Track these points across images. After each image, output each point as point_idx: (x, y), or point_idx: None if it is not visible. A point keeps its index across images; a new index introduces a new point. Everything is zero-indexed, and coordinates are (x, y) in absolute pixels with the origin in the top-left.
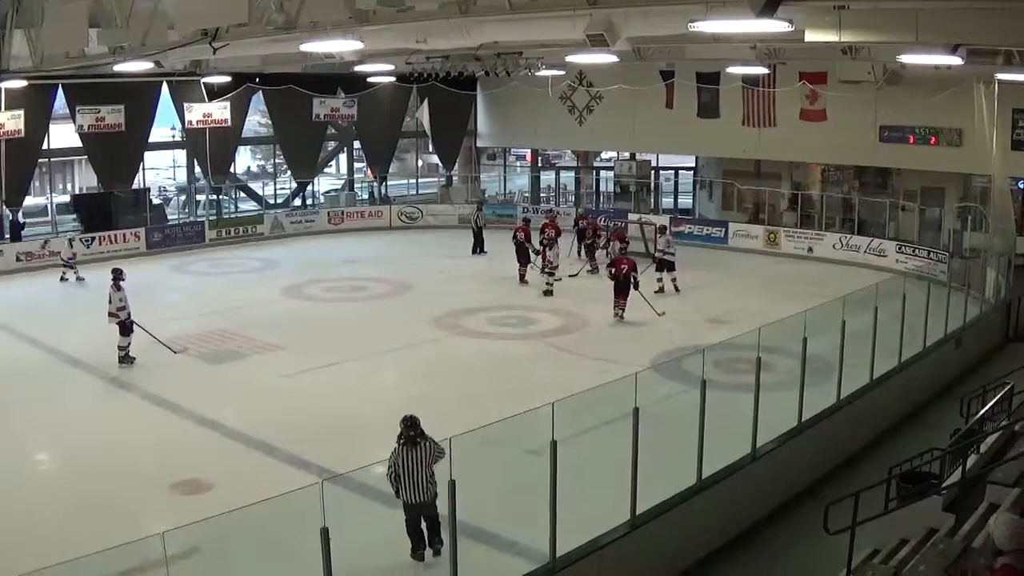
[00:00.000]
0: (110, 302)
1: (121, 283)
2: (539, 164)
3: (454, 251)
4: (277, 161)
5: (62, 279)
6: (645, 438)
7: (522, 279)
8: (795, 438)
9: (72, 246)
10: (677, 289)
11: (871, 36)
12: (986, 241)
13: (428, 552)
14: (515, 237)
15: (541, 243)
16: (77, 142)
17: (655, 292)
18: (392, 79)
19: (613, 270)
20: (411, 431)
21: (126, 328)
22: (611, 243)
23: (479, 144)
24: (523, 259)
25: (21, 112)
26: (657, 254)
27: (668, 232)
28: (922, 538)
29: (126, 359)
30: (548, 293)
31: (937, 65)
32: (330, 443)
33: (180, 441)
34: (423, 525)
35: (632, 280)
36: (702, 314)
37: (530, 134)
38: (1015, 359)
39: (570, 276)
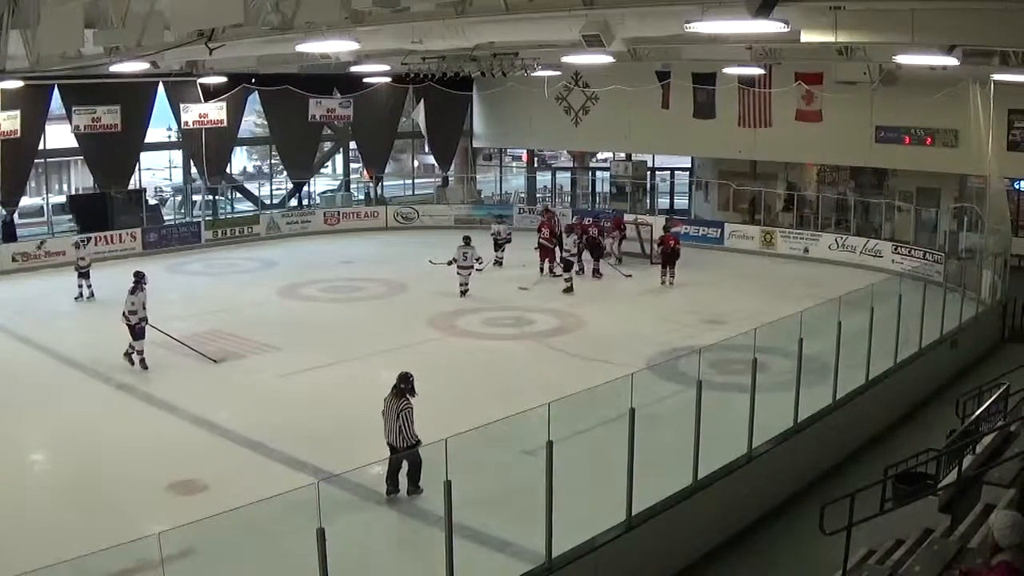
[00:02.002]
0: (125, 302)
1: (142, 286)
2: (535, 165)
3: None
4: (273, 162)
5: (79, 296)
6: (641, 438)
7: (596, 273)
8: (791, 439)
9: (82, 249)
10: (572, 290)
11: (867, 36)
12: (982, 242)
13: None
14: (587, 233)
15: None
16: (73, 142)
17: (563, 291)
18: (388, 80)
19: (662, 247)
20: (400, 383)
21: (135, 332)
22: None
23: (475, 145)
24: (596, 254)
25: (17, 112)
26: (565, 254)
27: (574, 233)
28: (918, 539)
29: (130, 361)
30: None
31: (933, 66)
32: (326, 443)
33: (176, 441)
34: (403, 471)
35: (677, 253)
36: (698, 315)
37: (526, 135)
38: (1011, 359)
39: (555, 276)
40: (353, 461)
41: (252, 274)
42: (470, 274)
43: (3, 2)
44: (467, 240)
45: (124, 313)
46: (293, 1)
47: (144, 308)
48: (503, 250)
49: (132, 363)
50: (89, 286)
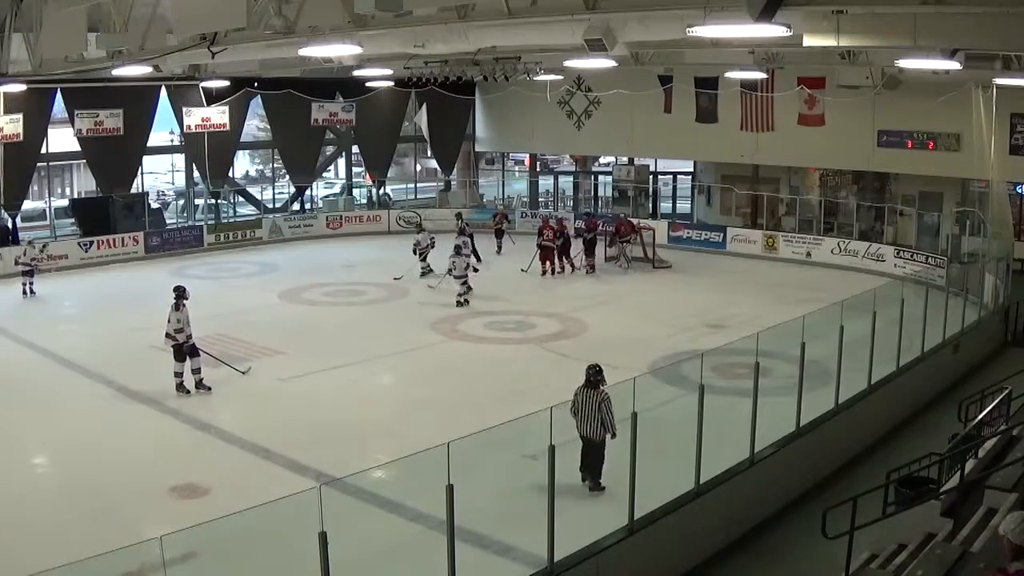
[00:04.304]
0: (168, 321)
1: (183, 303)
2: (537, 169)
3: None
4: (276, 166)
5: (26, 292)
6: (643, 443)
7: (592, 269)
8: (793, 443)
9: (30, 250)
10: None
11: (869, 41)
12: (984, 246)
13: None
14: (594, 231)
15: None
16: (76, 146)
17: (458, 304)
18: (390, 84)
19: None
20: (594, 375)
21: (179, 353)
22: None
23: (477, 149)
24: (591, 251)
25: (20, 116)
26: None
27: (464, 236)
28: (920, 543)
29: (184, 389)
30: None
31: (935, 70)
32: (328, 447)
33: (178, 445)
34: (588, 459)
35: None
36: (700, 319)
37: (528, 139)
38: (1013, 364)
39: (555, 276)
40: (355, 465)
41: (254, 278)
42: (464, 282)
43: (6, 5)
44: (457, 250)
45: (168, 333)
46: (296, 5)
47: (189, 325)
48: (425, 259)
49: (187, 391)
50: (31, 282)
